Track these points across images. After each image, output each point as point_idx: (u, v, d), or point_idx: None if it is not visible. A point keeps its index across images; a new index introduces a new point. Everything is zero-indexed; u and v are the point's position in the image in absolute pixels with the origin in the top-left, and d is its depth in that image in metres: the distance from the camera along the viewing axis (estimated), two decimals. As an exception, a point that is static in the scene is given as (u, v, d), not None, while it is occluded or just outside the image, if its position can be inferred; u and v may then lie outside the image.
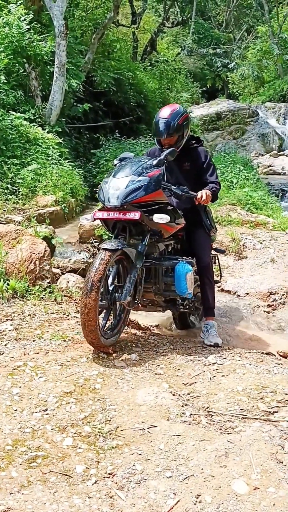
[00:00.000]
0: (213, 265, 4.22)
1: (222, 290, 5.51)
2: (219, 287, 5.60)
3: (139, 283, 3.29)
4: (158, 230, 3.34)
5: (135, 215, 3.08)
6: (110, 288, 3.12)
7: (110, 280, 3.12)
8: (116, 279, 3.20)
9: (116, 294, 3.14)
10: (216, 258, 4.44)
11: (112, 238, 3.22)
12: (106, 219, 3.24)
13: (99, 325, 2.95)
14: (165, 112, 3.59)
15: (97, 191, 3.49)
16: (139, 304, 3.62)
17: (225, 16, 29.27)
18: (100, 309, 3.02)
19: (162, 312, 4.04)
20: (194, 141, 3.80)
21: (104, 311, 3.17)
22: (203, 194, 3.54)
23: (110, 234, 3.50)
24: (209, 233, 3.90)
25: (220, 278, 4.91)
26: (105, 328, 3.12)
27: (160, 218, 3.12)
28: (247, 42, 27.18)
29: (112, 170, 3.39)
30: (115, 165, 3.45)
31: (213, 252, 4.31)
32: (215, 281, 4.03)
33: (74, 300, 4.10)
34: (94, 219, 3.26)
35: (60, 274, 4.81)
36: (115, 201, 3.09)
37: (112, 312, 3.21)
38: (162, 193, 3.30)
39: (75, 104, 10.50)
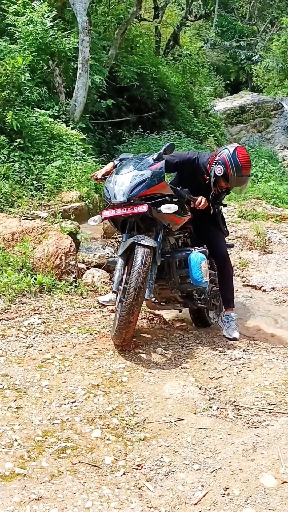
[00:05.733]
0: None
1: (247, 285, 5.48)
2: (244, 281, 5.57)
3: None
4: (167, 223, 3.29)
5: (143, 208, 3.04)
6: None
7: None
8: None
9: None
10: None
11: (123, 237, 3.20)
12: (114, 217, 3.21)
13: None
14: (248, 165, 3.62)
15: (102, 192, 3.43)
16: (156, 303, 3.64)
17: (248, 8, 28.86)
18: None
19: (180, 309, 3.97)
20: None
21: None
22: (203, 200, 3.55)
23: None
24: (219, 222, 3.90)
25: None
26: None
27: (168, 208, 3.07)
28: (271, 34, 26.71)
29: (114, 170, 3.39)
30: (115, 165, 3.44)
31: None
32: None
33: (100, 295, 4.13)
34: (103, 219, 3.23)
35: (85, 269, 4.84)
36: (121, 197, 3.08)
37: None
38: (166, 185, 3.28)
39: (98, 100, 10.53)
